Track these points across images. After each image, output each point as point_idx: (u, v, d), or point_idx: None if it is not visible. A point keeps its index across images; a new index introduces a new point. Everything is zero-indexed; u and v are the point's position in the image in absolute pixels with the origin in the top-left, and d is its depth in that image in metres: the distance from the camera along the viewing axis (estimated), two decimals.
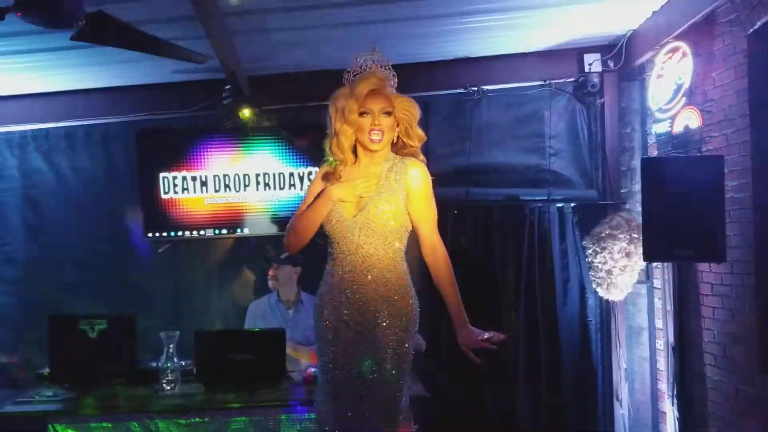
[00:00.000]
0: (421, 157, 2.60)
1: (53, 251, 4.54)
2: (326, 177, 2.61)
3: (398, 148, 2.60)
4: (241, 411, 3.13)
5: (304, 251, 4.12)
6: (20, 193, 4.60)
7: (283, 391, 3.26)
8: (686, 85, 3.64)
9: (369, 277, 2.49)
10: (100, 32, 2.99)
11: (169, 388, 3.24)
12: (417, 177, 2.52)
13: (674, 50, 3.72)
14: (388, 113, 2.51)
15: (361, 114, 2.50)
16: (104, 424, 3.09)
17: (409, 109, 2.54)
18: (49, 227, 4.59)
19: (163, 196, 4.40)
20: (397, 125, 2.55)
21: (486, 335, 2.51)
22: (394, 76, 2.57)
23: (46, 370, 3.44)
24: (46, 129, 4.62)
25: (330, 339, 2.53)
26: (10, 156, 4.63)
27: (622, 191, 4.42)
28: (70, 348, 3.38)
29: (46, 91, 4.49)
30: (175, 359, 3.27)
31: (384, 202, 2.50)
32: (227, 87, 4.19)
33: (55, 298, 4.39)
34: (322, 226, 2.57)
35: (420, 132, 2.58)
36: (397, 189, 2.51)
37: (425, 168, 2.56)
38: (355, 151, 2.59)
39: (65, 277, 4.50)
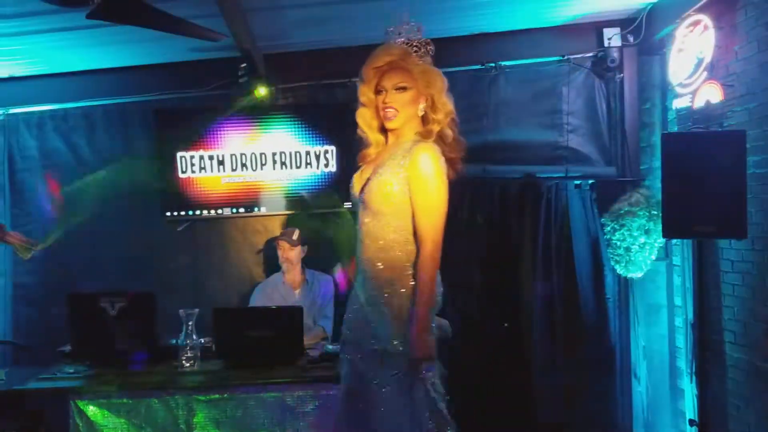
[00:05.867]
0: (449, 132, 2.46)
1: (72, 231, 4.58)
2: (361, 158, 2.57)
3: (426, 122, 2.48)
4: (260, 387, 3.16)
5: (306, 230, 4.20)
6: (40, 172, 4.64)
7: (301, 369, 3.28)
8: (707, 59, 3.57)
9: (368, 255, 2.45)
10: (115, 10, 3.00)
11: (188, 364, 3.28)
12: (420, 162, 2.35)
13: (695, 23, 3.65)
14: (403, 89, 2.42)
15: (378, 92, 2.46)
16: (125, 401, 3.13)
17: (431, 81, 2.43)
18: (69, 207, 4.63)
19: (181, 176, 4.42)
20: (425, 99, 2.45)
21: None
22: (423, 46, 2.48)
23: (68, 348, 3.51)
24: (64, 109, 4.65)
25: (345, 318, 2.56)
26: (29, 136, 4.66)
27: (641, 168, 4.37)
28: (90, 326, 3.42)
29: (63, 71, 4.51)
30: (194, 336, 3.31)
31: (383, 182, 2.40)
32: (243, 65, 4.18)
33: (74, 276, 4.46)
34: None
35: (448, 105, 2.46)
36: (398, 171, 2.39)
37: (436, 154, 2.38)
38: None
39: (85, 256, 4.55)
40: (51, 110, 4.65)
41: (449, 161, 2.47)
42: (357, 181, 2.54)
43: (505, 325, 3.88)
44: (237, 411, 3.14)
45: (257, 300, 4.16)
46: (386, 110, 2.43)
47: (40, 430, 3.34)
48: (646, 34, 4.18)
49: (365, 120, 2.50)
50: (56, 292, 4.24)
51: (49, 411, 3.39)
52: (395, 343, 2.38)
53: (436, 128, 2.45)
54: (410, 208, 2.40)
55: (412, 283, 2.39)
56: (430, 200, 2.37)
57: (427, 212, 2.37)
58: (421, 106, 2.46)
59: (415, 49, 2.50)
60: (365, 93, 2.47)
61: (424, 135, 2.45)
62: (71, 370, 3.34)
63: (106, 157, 4.63)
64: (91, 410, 3.11)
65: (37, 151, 4.66)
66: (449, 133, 2.47)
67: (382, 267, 2.42)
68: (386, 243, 2.41)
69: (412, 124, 2.47)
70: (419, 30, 2.52)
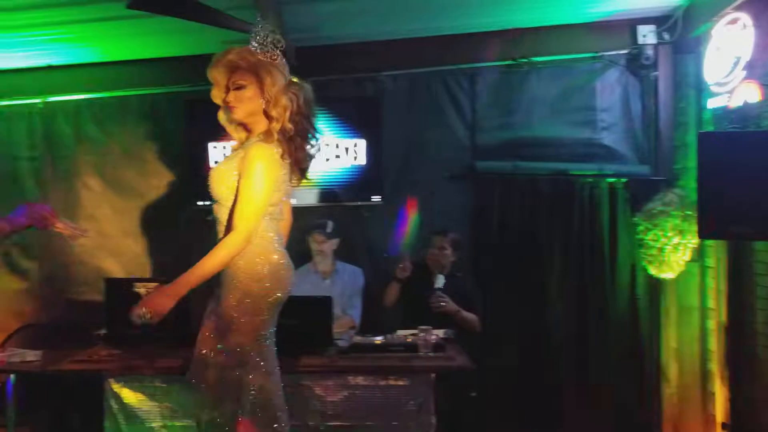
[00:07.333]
0: (289, 126, 2.44)
1: (108, 218, 4.66)
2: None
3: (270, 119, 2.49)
4: (288, 376, 3.18)
5: (342, 224, 4.23)
6: (76, 160, 4.72)
7: (329, 359, 3.30)
8: (746, 58, 3.51)
9: (218, 240, 2.50)
10: (154, 1, 3.05)
11: None
12: (250, 157, 2.40)
13: (734, 21, 3.59)
14: (241, 87, 2.45)
15: (226, 90, 2.50)
16: (157, 384, 3.19)
17: (271, 79, 2.44)
18: (104, 195, 4.70)
19: (212, 166, 4.45)
20: (265, 96, 2.45)
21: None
22: (269, 45, 2.48)
23: (103, 331, 3.57)
24: (100, 98, 4.70)
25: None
26: (65, 124, 4.73)
27: (675, 167, 4.32)
28: (125, 310, 3.47)
29: (101, 60, 4.57)
30: None
31: (218, 170, 2.50)
32: None
33: (110, 262, 4.54)
34: None
35: (284, 101, 2.44)
36: (231, 161, 2.47)
37: (267, 152, 2.41)
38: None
39: (120, 242, 4.63)
40: (87, 99, 4.71)
41: (295, 159, 2.51)
42: None
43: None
44: None
45: None
46: (228, 108, 2.51)
47: (75, 412, 3.41)
48: (682, 31, 4.13)
49: (224, 120, 2.59)
50: (93, 276, 4.34)
51: (83, 393, 3.46)
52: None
53: (276, 126, 2.46)
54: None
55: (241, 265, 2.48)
56: (249, 191, 2.40)
57: (244, 201, 2.40)
58: (261, 101, 2.47)
59: (260, 47, 2.50)
60: (216, 95, 2.53)
61: (266, 135, 2.48)
62: (105, 353, 3.39)
63: (139, 146, 4.69)
64: (126, 393, 3.17)
65: (72, 139, 4.73)
66: (289, 126, 2.46)
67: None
68: (225, 228, 2.49)
69: (258, 119, 2.51)
70: (267, 29, 2.52)
